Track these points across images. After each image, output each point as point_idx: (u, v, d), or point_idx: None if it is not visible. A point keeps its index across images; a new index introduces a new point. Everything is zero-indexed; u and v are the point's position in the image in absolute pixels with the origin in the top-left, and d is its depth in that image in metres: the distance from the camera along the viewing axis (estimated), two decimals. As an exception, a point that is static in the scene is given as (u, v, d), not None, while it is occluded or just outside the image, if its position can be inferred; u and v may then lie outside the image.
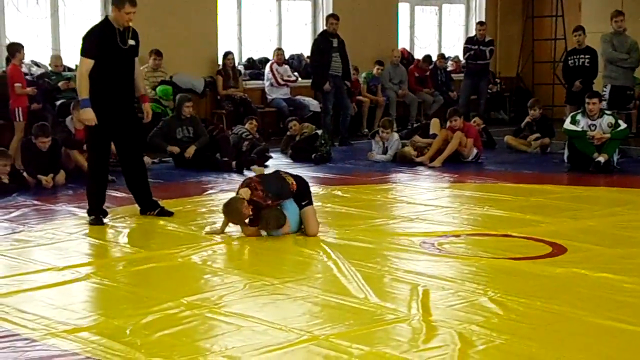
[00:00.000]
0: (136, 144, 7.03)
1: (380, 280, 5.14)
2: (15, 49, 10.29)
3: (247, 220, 6.25)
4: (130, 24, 6.73)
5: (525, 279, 5.15)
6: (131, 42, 6.77)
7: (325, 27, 12.44)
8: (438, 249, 5.94)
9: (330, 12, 13.24)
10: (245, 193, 6.16)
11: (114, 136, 6.89)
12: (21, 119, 10.11)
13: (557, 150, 10.98)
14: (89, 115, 6.59)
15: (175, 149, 10.07)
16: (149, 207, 7.08)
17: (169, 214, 7.03)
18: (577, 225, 6.68)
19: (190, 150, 10.02)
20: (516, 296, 4.71)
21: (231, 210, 6.18)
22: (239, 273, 5.30)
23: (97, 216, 6.84)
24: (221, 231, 6.40)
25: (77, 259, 5.72)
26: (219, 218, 6.85)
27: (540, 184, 8.75)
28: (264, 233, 6.28)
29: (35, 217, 7.15)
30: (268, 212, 6.16)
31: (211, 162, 9.94)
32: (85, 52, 6.64)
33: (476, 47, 13.84)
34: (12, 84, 10.05)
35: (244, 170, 9.67)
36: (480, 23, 14.49)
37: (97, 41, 6.63)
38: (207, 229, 6.58)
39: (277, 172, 6.61)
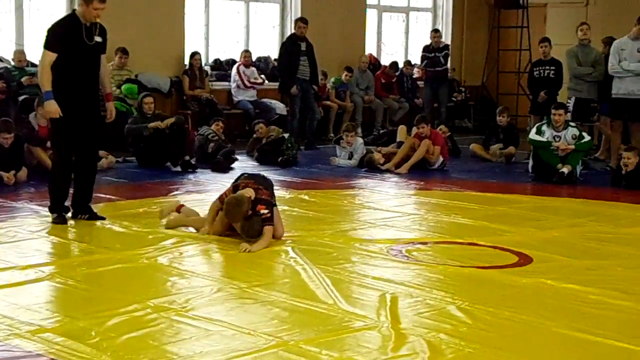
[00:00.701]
0: (94, 142, 6.86)
1: (349, 286, 5.12)
2: None
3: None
4: (98, 20, 6.60)
5: (492, 288, 5.16)
6: (98, 38, 6.61)
7: (293, 31, 12.42)
8: (406, 255, 5.94)
9: (299, 15, 13.23)
10: (250, 192, 6.08)
11: (75, 131, 6.69)
12: None
13: (522, 160, 11.08)
14: (52, 107, 6.43)
15: (158, 123, 9.92)
16: (82, 210, 6.82)
17: (101, 218, 6.81)
18: (542, 235, 6.73)
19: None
20: (484, 305, 4.72)
21: (241, 210, 5.97)
22: (206, 276, 5.25)
23: (59, 214, 6.70)
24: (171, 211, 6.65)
25: (40, 258, 5.62)
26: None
27: (506, 193, 8.81)
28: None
29: (-4, 215, 7.02)
30: (251, 220, 6.03)
31: (171, 154, 9.83)
32: (48, 45, 6.49)
33: (432, 54, 13.99)
34: None
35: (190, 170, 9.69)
36: (434, 30, 14.67)
37: (61, 35, 6.48)
38: (164, 221, 6.63)
39: (251, 174, 6.59)
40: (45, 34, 6.58)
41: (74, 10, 6.71)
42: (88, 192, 6.88)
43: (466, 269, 5.61)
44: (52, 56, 6.43)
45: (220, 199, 6.25)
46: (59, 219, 6.65)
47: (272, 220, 6.12)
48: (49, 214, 6.79)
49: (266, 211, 6.06)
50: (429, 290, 5.04)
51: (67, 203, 6.88)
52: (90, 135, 6.72)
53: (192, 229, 6.48)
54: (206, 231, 6.30)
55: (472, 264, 5.73)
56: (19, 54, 11.08)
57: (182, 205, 6.84)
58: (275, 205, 6.35)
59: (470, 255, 6.01)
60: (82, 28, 6.50)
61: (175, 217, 6.67)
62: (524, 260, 5.85)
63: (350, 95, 14.22)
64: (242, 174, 6.63)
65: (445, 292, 4.98)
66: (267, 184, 6.42)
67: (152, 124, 9.95)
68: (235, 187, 6.28)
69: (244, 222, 6.02)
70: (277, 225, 6.24)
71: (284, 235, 6.28)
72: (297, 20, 12.29)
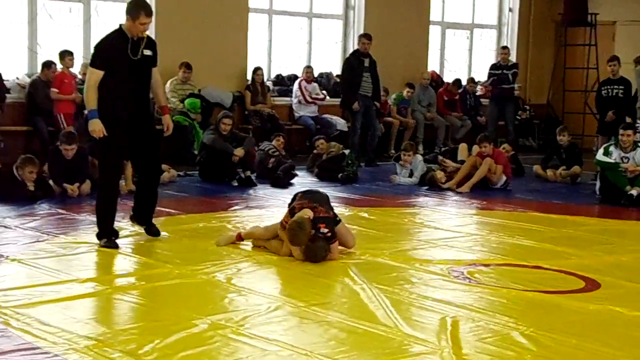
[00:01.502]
0: (152, 158, 6.61)
1: (409, 308, 5.01)
2: (61, 55, 10.63)
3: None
4: (146, 33, 6.38)
5: (557, 314, 5.00)
6: (147, 52, 6.36)
7: (356, 47, 12.36)
8: (467, 277, 5.80)
9: (362, 31, 13.18)
10: (308, 213, 6.01)
11: (130, 151, 6.50)
12: (64, 126, 10.21)
13: (587, 181, 10.81)
14: (96, 127, 6.19)
15: (240, 152, 9.94)
16: (142, 219, 6.75)
17: (157, 233, 6.70)
18: (610, 259, 6.51)
19: (240, 153, 9.93)
20: (549, 332, 4.56)
21: (305, 233, 5.90)
22: (263, 293, 5.19)
23: (109, 239, 6.37)
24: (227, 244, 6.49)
25: (100, 271, 5.65)
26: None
27: (571, 215, 8.58)
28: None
29: (58, 226, 7.09)
30: (316, 245, 5.95)
31: (231, 170, 9.86)
32: (94, 63, 6.32)
33: (499, 71, 13.75)
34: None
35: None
36: (503, 47, 14.41)
37: (106, 52, 6.28)
38: (220, 240, 6.56)
39: (304, 191, 6.51)
40: (93, 51, 6.47)
41: (120, 25, 6.43)
42: (151, 208, 6.75)
43: (530, 293, 5.44)
44: (99, 74, 6.22)
45: (282, 225, 6.15)
46: (110, 244, 6.33)
47: (335, 236, 6.06)
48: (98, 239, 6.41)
49: (326, 230, 6.00)
50: (492, 314, 4.89)
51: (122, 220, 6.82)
52: (147, 151, 6.53)
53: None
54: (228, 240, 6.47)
55: (537, 288, 5.55)
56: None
57: (240, 236, 6.62)
58: (337, 218, 6.29)
59: (534, 278, 5.84)
60: (128, 43, 6.26)
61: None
62: (591, 285, 5.65)
63: (411, 112, 14.10)
64: (296, 194, 6.48)
65: (509, 317, 4.83)
66: (322, 199, 6.32)
67: (237, 151, 9.93)
68: (291, 210, 6.17)
69: (309, 245, 5.93)
70: (346, 237, 6.21)
71: (343, 253, 6.20)
72: (360, 36, 12.22)
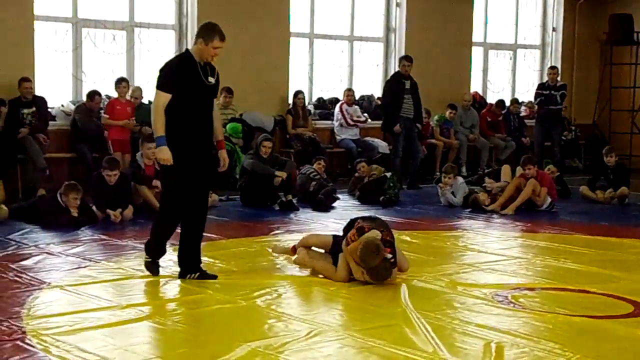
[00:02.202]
0: (207, 191, 6.31)
1: (451, 333, 4.91)
2: (117, 83, 10.93)
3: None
4: (215, 59, 6.05)
5: (606, 340, 4.85)
6: (211, 79, 6.05)
7: (397, 69, 12.33)
8: (512, 302, 5.68)
9: (403, 54, 13.14)
10: (377, 234, 5.99)
11: (190, 179, 6.05)
12: (111, 151, 10.39)
13: (637, 202, 10.58)
14: (165, 155, 5.88)
15: (282, 174, 9.94)
16: (191, 268, 6.13)
17: (212, 277, 6.13)
18: (659, 283, 6.33)
19: (283, 175, 9.92)
20: (596, 358, 4.43)
21: (380, 256, 5.86)
22: (303, 319, 5.14)
23: (154, 261, 6.20)
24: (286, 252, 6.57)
25: (141, 297, 5.65)
26: (282, 260, 6.76)
27: (619, 237, 8.39)
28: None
29: (101, 252, 7.13)
30: (382, 264, 5.91)
31: (272, 194, 9.87)
32: (161, 85, 5.95)
33: (547, 92, 13.58)
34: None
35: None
36: (551, 67, 14.23)
37: (175, 75, 5.94)
38: (276, 248, 6.68)
39: (364, 217, 6.47)
40: (158, 74, 6.07)
41: (187, 50, 6.23)
42: (198, 248, 6.20)
43: (577, 318, 5.30)
44: (167, 97, 5.89)
45: (347, 242, 6.09)
46: (153, 267, 6.16)
47: (396, 263, 6.05)
48: (145, 253, 6.27)
49: (390, 256, 5.96)
50: (537, 340, 4.77)
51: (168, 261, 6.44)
52: (204, 184, 6.16)
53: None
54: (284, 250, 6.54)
55: (584, 312, 5.41)
56: (137, 91, 11.35)
57: (295, 248, 6.66)
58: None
59: (581, 303, 5.70)
60: (197, 67, 5.97)
61: (303, 256, 6.54)
62: (640, 310, 5.50)
63: (454, 133, 13.99)
64: (355, 219, 6.39)
65: (555, 342, 4.70)
66: (384, 225, 6.27)
67: (279, 173, 9.91)
68: (359, 229, 6.08)
69: (372, 268, 5.89)
70: (402, 262, 6.16)
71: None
72: (401, 59, 12.19)
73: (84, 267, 6.53)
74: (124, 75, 11.77)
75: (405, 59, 12.01)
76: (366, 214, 9.25)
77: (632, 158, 14.31)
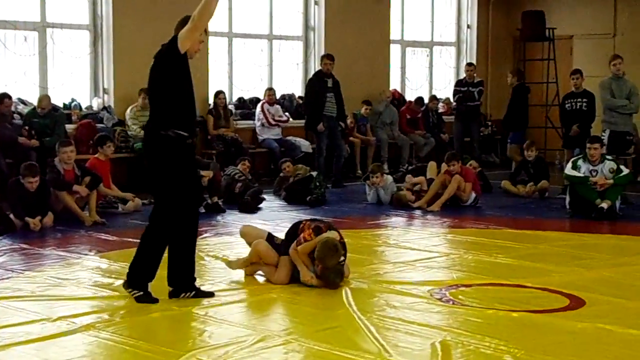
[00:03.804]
0: (200, 202, 5.96)
1: (395, 334, 4.86)
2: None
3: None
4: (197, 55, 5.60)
5: (547, 334, 4.89)
6: None
7: (318, 68, 12.27)
8: (451, 299, 5.68)
9: (323, 52, 13.10)
10: (335, 235, 5.92)
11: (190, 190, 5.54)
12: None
13: (555, 195, 10.81)
14: None
15: (208, 173, 9.71)
16: (185, 286, 5.60)
17: (209, 294, 5.64)
18: (591, 275, 6.44)
19: (208, 174, 9.71)
20: (542, 354, 4.46)
21: (339, 255, 5.79)
22: (245, 325, 5.00)
23: (146, 291, 5.48)
24: (245, 265, 6.24)
25: (71, 308, 5.37)
26: (221, 265, 6.62)
27: (544, 230, 8.54)
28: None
29: (23, 262, 6.82)
30: (333, 270, 5.82)
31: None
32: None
33: (465, 88, 13.73)
34: None
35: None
36: (469, 64, 14.40)
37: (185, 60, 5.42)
38: (232, 260, 6.39)
39: (308, 219, 6.38)
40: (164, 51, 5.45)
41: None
42: (193, 264, 5.67)
43: (516, 313, 5.33)
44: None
45: (298, 243, 5.95)
46: (148, 298, 5.46)
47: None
48: (128, 290, 5.51)
49: (343, 259, 5.90)
50: (481, 337, 4.77)
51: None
52: (199, 193, 5.79)
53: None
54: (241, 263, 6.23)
55: (523, 307, 5.45)
56: (44, 100, 10.78)
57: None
58: None
59: (518, 298, 5.74)
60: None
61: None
62: (576, 303, 5.57)
63: (371, 129, 14.02)
64: (299, 221, 6.26)
65: (499, 339, 4.71)
66: (334, 227, 6.19)
67: (204, 173, 9.60)
68: (316, 229, 5.96)
69: (325, 270, 5.80)
70: (345, 268, 6.08)
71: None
72: (323, 57, 12.14)
73: (6, 278, 6.22)
74: (37, 76, 11.37)
75: (327, 57, 11.98)
76: (294, 214, 9.24)
77: (546, 152, 14.60)
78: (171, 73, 5.42)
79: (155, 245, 5.51)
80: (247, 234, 6.51)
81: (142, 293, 5.46)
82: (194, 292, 5.59)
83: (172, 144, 5.36)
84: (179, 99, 5.44)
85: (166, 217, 5.44)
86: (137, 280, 5.49)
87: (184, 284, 5.61)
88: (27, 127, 10.47)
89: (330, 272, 5.80)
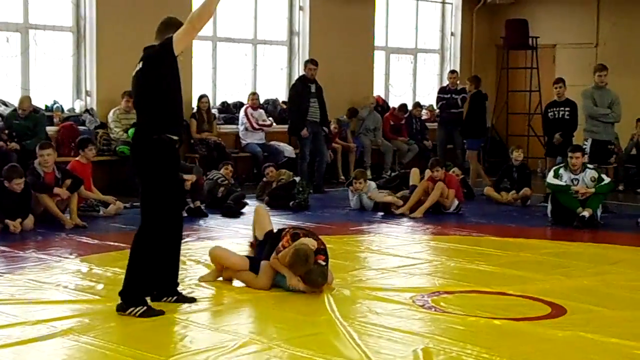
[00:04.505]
0: (183, 207, 5.86)
1: (377, 340, 4.85)
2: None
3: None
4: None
5: (529, 342, 4.90)
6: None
7: (302, 72, 12.26)
8: (433, 306, 5.68)
9: (307, 57, 13.09)
10: (314, 242, 5.89)
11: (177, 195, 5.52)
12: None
13: (537, 203, 10.86)
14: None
15: (191, 177, 9.65)
16: (167, 291, 5.55)
17: (191, 300, 5.57)
18: (571, 283, 6.47)
19: (191, 177, 9.65)
20: (524, 362, 4.46)
21: (309, 263, 5.75)
22: (226, 330, 4.98)
23: (147, 305, 5.24)
24: (214, 279, 6.16)
25: (52, 312, 5.33)
26: (203, 269, 6.58)
27: (526, 237, 8.57)
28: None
29: (2, 265, 6.76)
30: (313, 271, 5.80)
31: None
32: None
33: (448, 95, 13.78)
34: None
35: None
36: (451, 72, 14.47)
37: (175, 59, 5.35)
38: (203, 275, 6.29)
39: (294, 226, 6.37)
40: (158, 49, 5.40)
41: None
42: (176, 269, 5.60)
43: (498, 320, 5.34)
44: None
45: (278, 251, 5.92)
46: (151, 312, 5.22)
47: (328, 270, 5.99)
48: (127, 312, 5.21)
49: (324, 263, 5.89)
50: (463, 344, 4.77)
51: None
52: (183, 197, 5.78)
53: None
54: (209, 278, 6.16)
55: (504, 315, 5.46)
56: (25, 101, 10.64)
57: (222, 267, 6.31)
58: None
59: (500, 305, 5.75)
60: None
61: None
62: (557, 311, 5.58)
63: (356, 137, 14.02)
64: (283, 229, 6.22)
65: (481, 347, 4.71)
66: (315, 234, 6.18)
67: (187, 177, 9.49)
68: (294, 235, 5.95)
69: (311, 270, 5.80)
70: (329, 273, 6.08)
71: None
72: (307, 62, 12.15)
73: (-15, 281, 6.17)
74: (19, 78, 11.29)
75: (311, 62, 11.98)
76: (276, 219, 9.20)
77: (529, 160, 14.64)
78: (164, 76, 5.34)
79: (148, 255, 5.33)
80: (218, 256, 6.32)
81: (145, 308, 5.21)
82: (176, 297, 5.54)
83: (164, 148, 5.29)
84: (171, 102, 5.38)
85: (154, 222, 5.32)
86: (135, 296, 5.25)
87: (167, 289, 5.55)
88: (6, 131, 10.36)
89: (312, 273, 5.78)
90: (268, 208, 10.23)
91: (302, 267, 5.76)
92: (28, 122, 10.51)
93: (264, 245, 6.15)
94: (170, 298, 5.51)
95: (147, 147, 5.31)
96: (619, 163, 12.80)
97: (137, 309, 5.19)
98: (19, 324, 5.03)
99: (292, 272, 5.82)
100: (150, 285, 5.37)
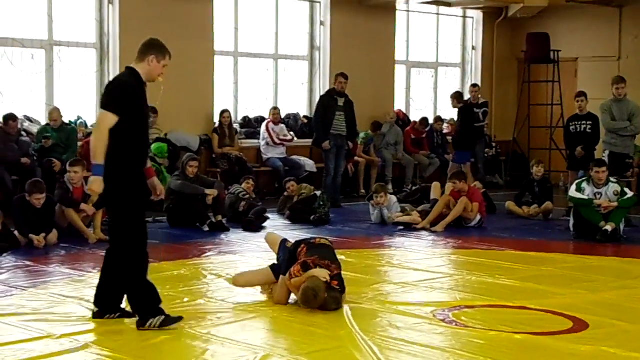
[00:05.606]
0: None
1: (398, 355, 4.85)
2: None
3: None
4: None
5: (550, 357, 4.88)
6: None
7: (324, 87, 12.28)
8: (454, 320, 5.67)
9: (328, 72, 13.15)
10: (325, 274, 5.82)
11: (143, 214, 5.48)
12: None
13: (559, 217, 10.80)
14: (98, 187, 5.20)
15: (213, 192, 9.79)
16: (112, 307, 5.52)
17: (132, 315, 5.44)
18: (594, 298, 6.43)
19: (213, 192, 9.75)
20: (545, 376, 4.44)
21: (320, 300, 5.72)
22: (246, 344, 5.00)
23: (164, 313, 5.28)
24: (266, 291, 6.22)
25: (75, 326, 5.38)
26: (224, 284, 6.62)
27: (548, 252, 8.52)
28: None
29: (27, 279, 6.84)
30: (329, 295, 5.77)
31: (200, 214, 9.69)
32: (109, 105, 5.25)
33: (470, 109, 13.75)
34: None
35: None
36: (473, 85, 14.47)
37: (128, 94, 5.32)
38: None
39: (309, 240, 6.29)
40: (105, 92, 5.48)
41: (133, 68, 5.51)
42: (122, 286, 5.46)
43: (519, 335, 5.32)
44: (114, 119, 5.20)
45: (290, 275, 5.89)
46: (170, 319, 5.27)
47: (344, 289, 5.97)
48: (147, 325, 5.23)
49: (338, 288, 5.88)
50: (483, 358, 4.77)
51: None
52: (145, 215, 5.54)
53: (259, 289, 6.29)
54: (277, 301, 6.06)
55: (525, 329, 5.44)
56: (54, 112, 10.79)
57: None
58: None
59: (521, 319, 5.72)
60: (144, 88, 5.46)
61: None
62: (580, 325, 5.55)
63: (378, 151, 14.03)
64: (299, 242, 6.22)
65: (501, 361, 4.70)
66: (330, 253, 6.12)
67: (209, 191, 9.75)
68: (304, 264, 5.89)
69: (318, 308, 5.79)
70: None
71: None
72: (337, 75, 11.94)
73: (10, 295, 6.23)
74: (44, 94, 11.43)
75: (342, 76, 11.85)
76: (297, 233, 9.23)
77: (551, 173, 14.61)
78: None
79: (137, 269, 5.33)
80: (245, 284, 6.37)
81: (163, 317, 5.22)
82: (119, 314, 5.50)
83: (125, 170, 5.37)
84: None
85: (128, 238, 5.33)
86: (149, 308, 5.27)
87: (109, 305, 5.52)
88: (34, 151, 10.49)
89: (325, 305, 5.76)
90: (289, 222, 10.34)
91: (314, 303, 5.74)
92: (61, 134, 10.65)
93: (283, 254, 6.18)
94: (113, 315, 5.50)
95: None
96: (638, 176, 12.72)
97: (156, 319, 5.22)
98: (42, 337, 5.08)
99: (306, 307, 5.79)
100: (158, 295, 5.36)
